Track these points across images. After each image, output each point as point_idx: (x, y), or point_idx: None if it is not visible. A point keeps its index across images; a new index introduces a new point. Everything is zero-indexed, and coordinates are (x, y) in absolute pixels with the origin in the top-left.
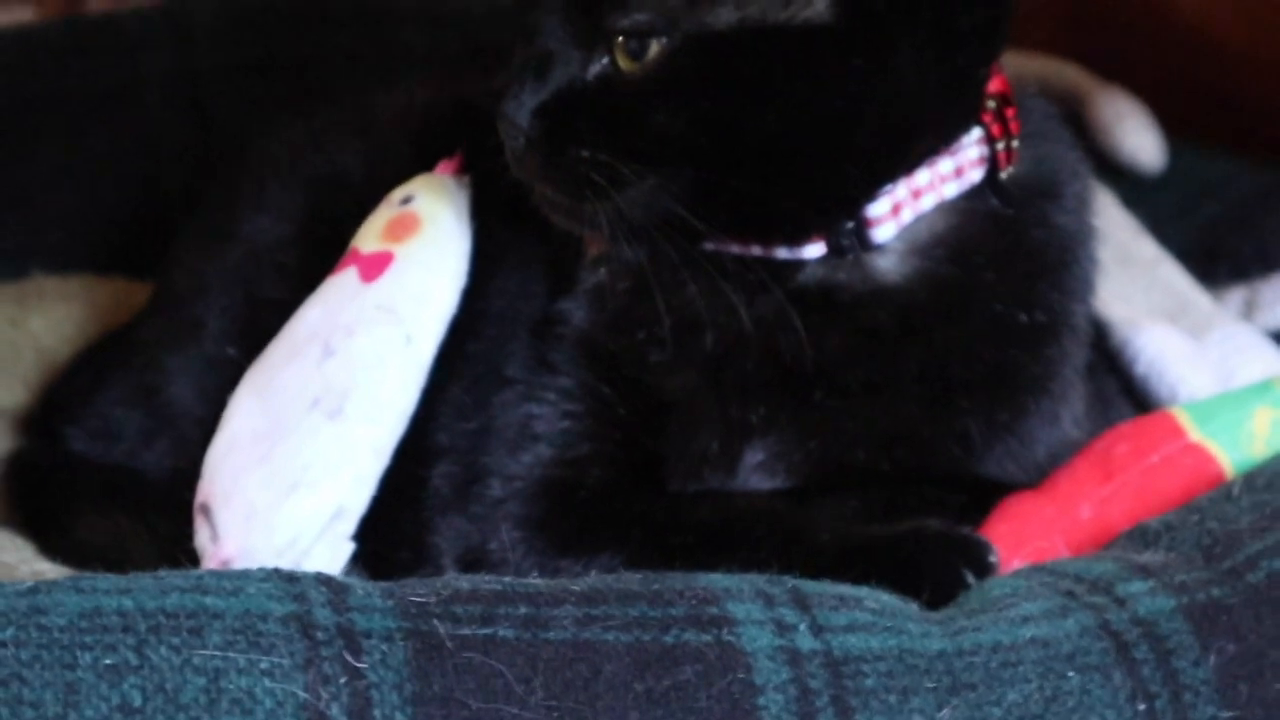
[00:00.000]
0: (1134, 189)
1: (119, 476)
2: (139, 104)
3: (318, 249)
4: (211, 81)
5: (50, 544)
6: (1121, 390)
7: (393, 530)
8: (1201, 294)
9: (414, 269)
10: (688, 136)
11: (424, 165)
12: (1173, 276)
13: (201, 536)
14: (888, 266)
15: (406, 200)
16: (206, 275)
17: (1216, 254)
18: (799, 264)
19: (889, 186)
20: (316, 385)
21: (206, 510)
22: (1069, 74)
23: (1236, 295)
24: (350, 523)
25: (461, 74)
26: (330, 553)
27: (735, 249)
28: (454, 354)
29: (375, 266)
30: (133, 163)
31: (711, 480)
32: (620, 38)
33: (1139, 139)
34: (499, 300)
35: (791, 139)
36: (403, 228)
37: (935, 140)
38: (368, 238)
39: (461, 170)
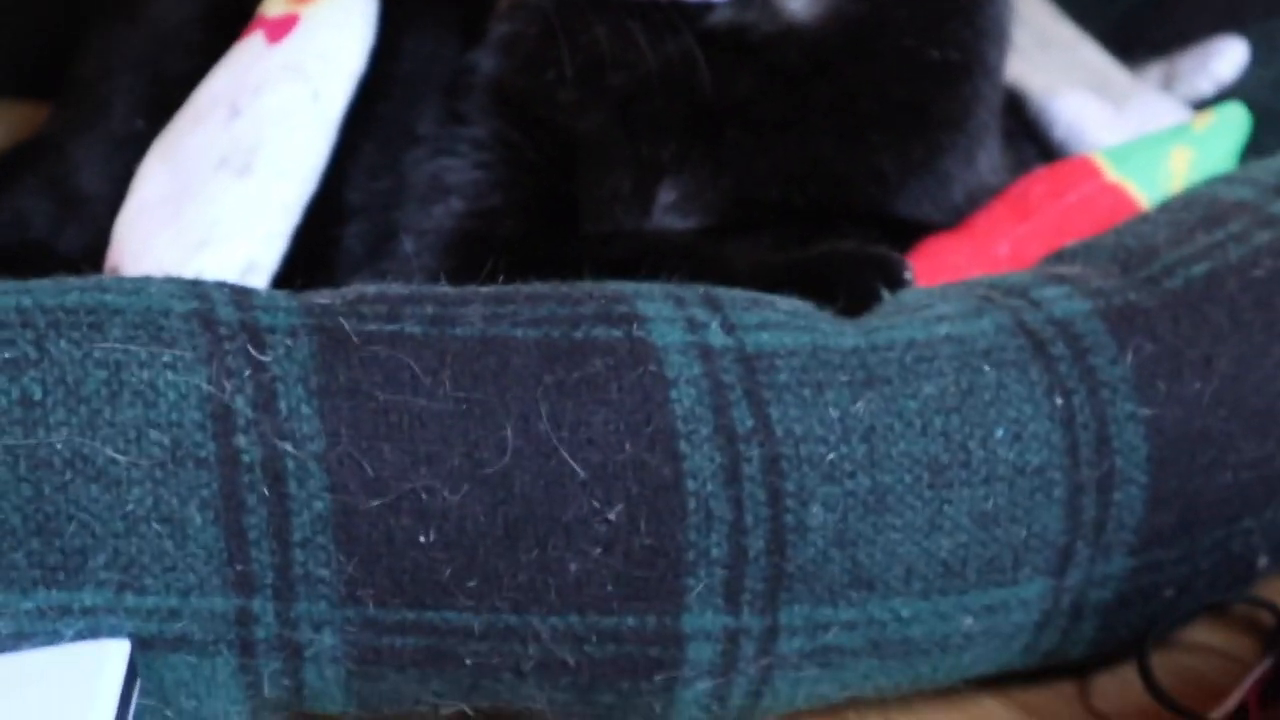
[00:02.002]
0: None
1: (29, 252)
2: None
3: (224, 25)
4: None
5: None
6: (1039, 156)
7: (306, 288)
8: (1120, 70)
9: (320, 28)
10: None
11: None
12: (1091, 55)
13: None
14: (797, 6)
15: None
16: (112, 59)
17: (1135, 43)
18: (708, 6)
19: None
20: (224, 144)
21: (115, 273)
22: None
23: (1155, 70)
24: (262, 279)
25: None
26: None
27: None
28: (364, 115)
29: (281, 28)
30: None
31: (625, 221)
32: None
33: None
34: (410, 62)
35: None
36: None
37: None
38: (273, 5)
39: None
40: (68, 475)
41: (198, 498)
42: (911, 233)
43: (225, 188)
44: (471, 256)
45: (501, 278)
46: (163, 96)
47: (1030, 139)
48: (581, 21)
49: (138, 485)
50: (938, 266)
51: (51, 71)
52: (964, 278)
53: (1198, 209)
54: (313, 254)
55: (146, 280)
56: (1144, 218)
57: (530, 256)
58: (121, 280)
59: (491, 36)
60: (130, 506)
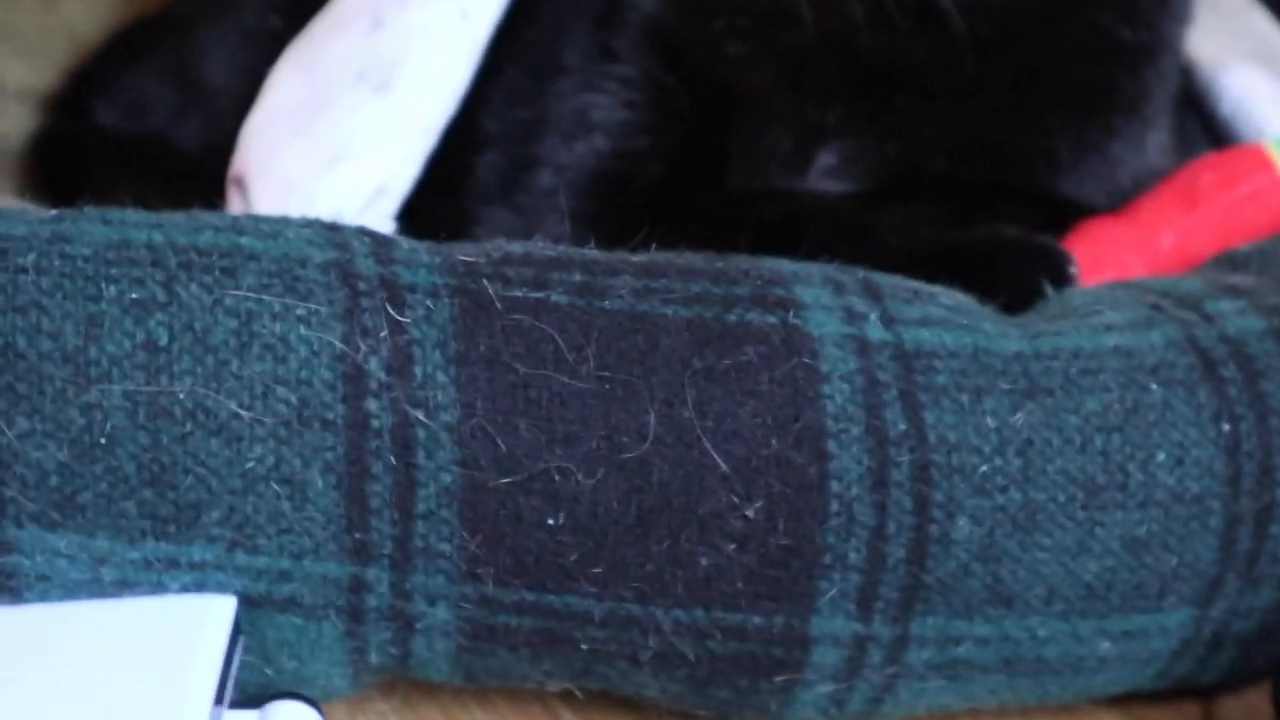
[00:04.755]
0: None
1: (149, 148)
2: None
3: None
4: None
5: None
6: (1202, 128)
7: (434, 219)
8: None
9: None
10: None
11: None
12: (1262, 24)
13: (235, 207)
14: None
15: None
16: None
17: None
18: None
19: None
20: (364, 57)
21: (240, 182)
22: None
23: None
24: (393, 202)
25: None
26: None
27: None
28: (510, 38)
29: None
30: None
31: (779, 181)
32: None
33: None
34: None
35: None
36: None
37: None
38: None
39: None
40: (188, 426)
41: (321, 460)
42: (1073, 213)
43: (362, 103)
44: (613, 199)
45: (646, 230)
46: None
47: (1195, 112)
48: None
49: (260, 443)
50: (1100, 253)
51: None
52: (1126, 266)
53: None
54: (444, 180)
55: (285, 222)
56: None
57: (676, 207)
58: (259, 220)
59: None
60: (250, 464)
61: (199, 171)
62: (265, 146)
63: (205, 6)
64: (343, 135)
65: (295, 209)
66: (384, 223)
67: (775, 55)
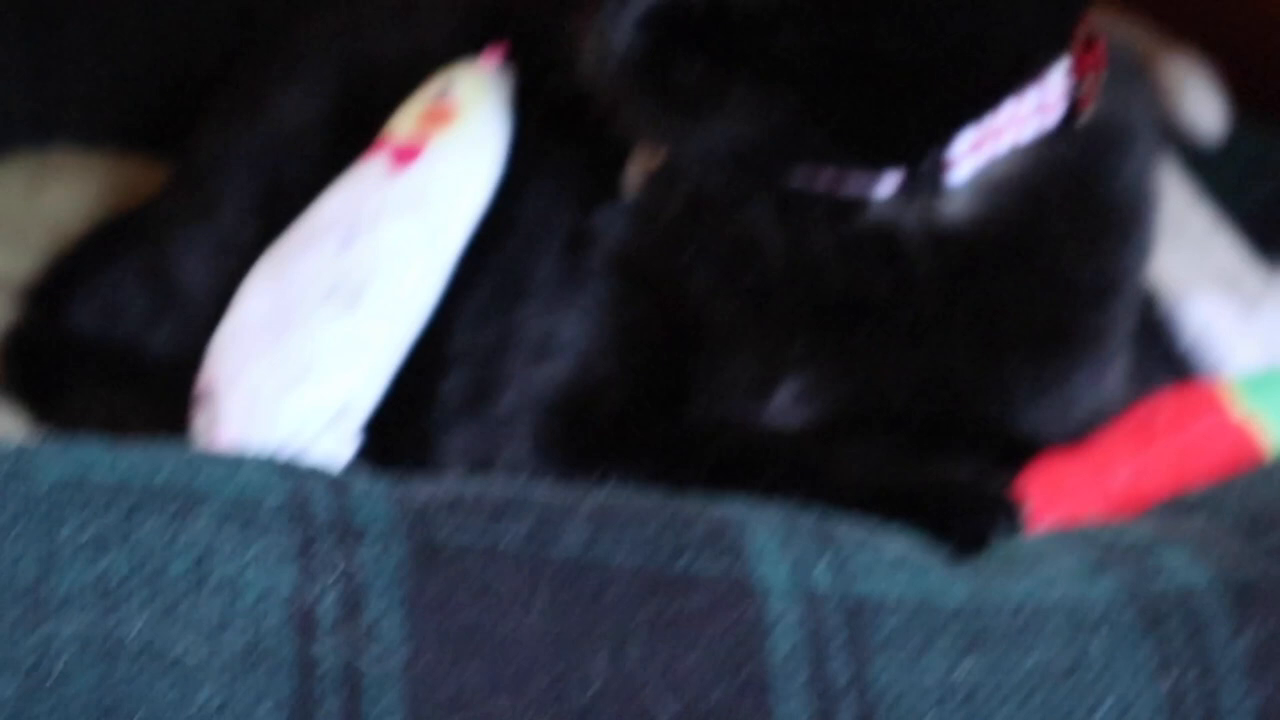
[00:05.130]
0: (1192, 158)
1: (120, 356)
2: None
3: (347, 135)
4: None
5: (45, 417)
6: (1162, 358)
7: (398, 434)
8: (1254, 268)
9: (446, 162)
10: (809, 56)
11: (465, 55)
12: (1225, 249)
13: (201, 422)
14: (954, 210)
15: (445, 89)
16: (229, 154)
17: (1272, 235)
18: (863, 202)
19: (977, 120)
20: (334, 274)
21: (208, 395)
22: (1134, 31)
23: None
24: (356, 420)
25: None
26: (333, 449)
27: (803, 182)
28: (478, 257)
29: (406, 156)
30: (166, 41)
31: (739, 411)
32: None
33: (1201, 106)
34: (531, 206)
35: (920, 58)
36: (439, 118)
37: (1033, 66)
38: (401, 125)
39: (505, 63)
40: (138, 665)
41: (271, 700)
42: (1029, 447)
43: (330, 320)
44: (575, 425)
45: (604, 457)
46: (277, 202)
47: (1156, 342)
48: (728, 207)
49: (209, 682)
50: (1055, 490)
51: (157, 128)
52: (1081, 503)
53: None
54: (408, 398)
55: (241, 461)
56: (1270, 475)
57: (636, 438)
58: (216, 458)
59: (625, 202)
60: (199, 704)
61: (167, 383)
62: (233, 360)
63: (183, 210)
64: (309, 353)
65: (260, 426)
66: (346, 442)
67: (741, 288)
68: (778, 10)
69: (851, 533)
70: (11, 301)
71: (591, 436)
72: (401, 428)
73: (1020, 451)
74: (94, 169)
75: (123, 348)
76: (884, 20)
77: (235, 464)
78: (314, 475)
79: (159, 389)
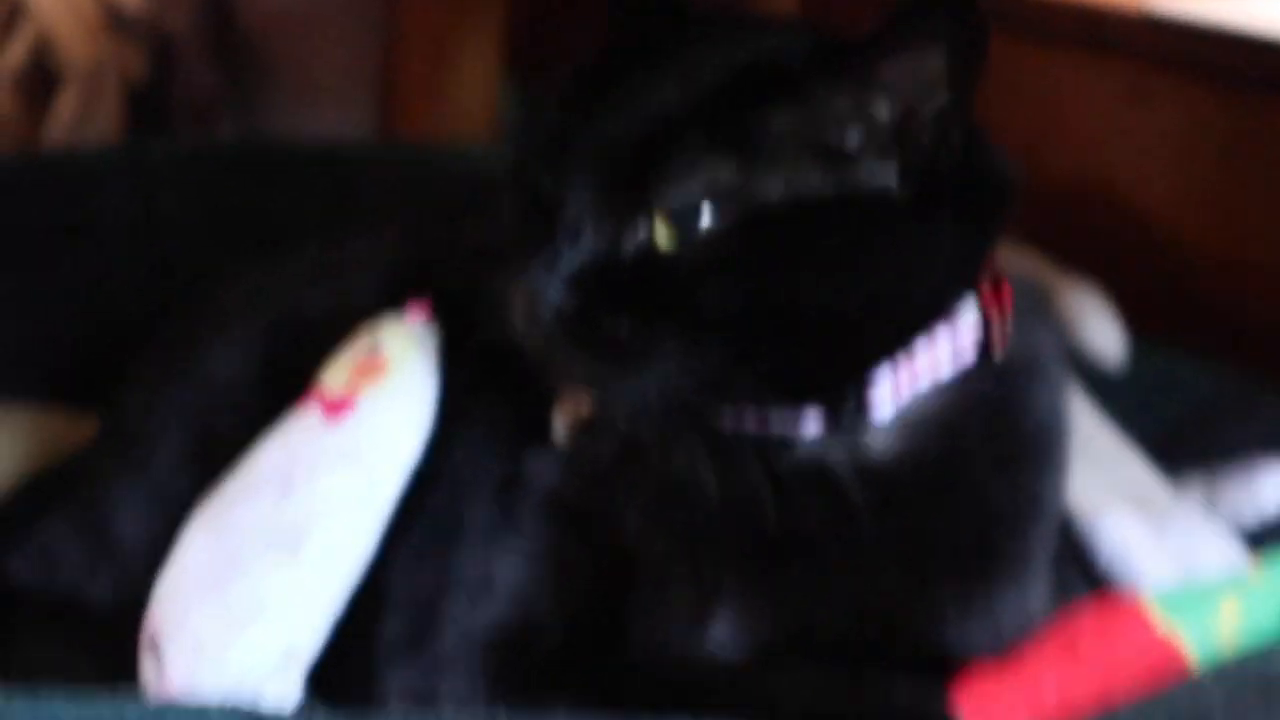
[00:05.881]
0: (1093, 383)
1: (61, 606)
2: (95, 240)
3: (277, 388)
4: (170, 222)
5: None
6: (1081, 575)
7: (343, 673)
8: (1162, 486)
9: (378, 415)
10: (735, 311)
11: (389, 310)
12: (1134, 470)
13: (149, 670)
14: (878, 446)
15: (375, 343)
16: (160, 410)
17: (1179, 452)
18: (790, 442)
19: (895, 361)
20: (274, 524)
21: (154, 644)
22: (1030, 263)
23: (1198, 483)
24: (301, 664)
25: (425, 225)
26: (280, 693)
27: (732, 424)
28: (415, 503)
29: (338, 408)
30: (87, 296)
31: (676, 643)
32: (663, 213)
33: (1101, 332)
34: (462, 453)
35: (843, 310)
36: (370, 370)
37: (941, 307)
38: (333, 377)
39: (430, 318)
40: None
41: None
42: (958, 661)
43: (272, 568)
44: (513, 663)
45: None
46: (211, 454)
47: (1074, 559)
48: (660, 449)
49: None
50: (988, 705)
51: (79, 381)
52: (1011, 714)
53: (1252, 688)
54: (351, 639)
55: (204, 713)
56: (1197, 689)
57: (575, 674)
58: (180, 711)
59: (555, 450)
60: None
61: (109, 633)
62: (177, 609)
63: (115, 465)
64: (254, 600)
65: (208, 671)
66: (292, 686)
67: (675, 524)
68: (704, 266)
69: None
70: None
71: (533, 671)
72: (347, 665)
73: (950, 666)
74: (17, 424)
75: (63, 598)
76: (803, 276)
77: (199, 715)
78: None
79: (103, 637)
